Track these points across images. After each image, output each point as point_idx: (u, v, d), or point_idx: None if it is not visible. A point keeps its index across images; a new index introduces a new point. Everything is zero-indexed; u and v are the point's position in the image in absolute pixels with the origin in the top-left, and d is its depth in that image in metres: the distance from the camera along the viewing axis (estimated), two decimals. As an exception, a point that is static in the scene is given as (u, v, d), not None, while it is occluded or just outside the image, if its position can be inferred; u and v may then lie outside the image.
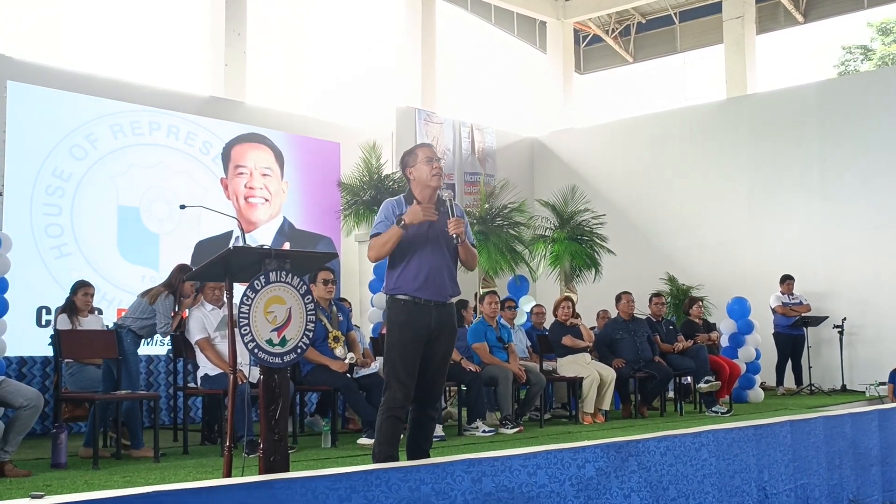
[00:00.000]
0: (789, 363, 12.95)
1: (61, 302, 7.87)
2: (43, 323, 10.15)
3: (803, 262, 13.68)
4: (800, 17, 17.29)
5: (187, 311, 7.46)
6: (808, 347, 12.94)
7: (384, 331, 5.79)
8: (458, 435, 8.05)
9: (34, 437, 7.38)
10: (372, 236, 4.86)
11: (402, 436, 4.88)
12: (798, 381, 12.92)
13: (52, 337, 7.33)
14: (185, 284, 7.25)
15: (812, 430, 4.95)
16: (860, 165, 13.64)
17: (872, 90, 13.98)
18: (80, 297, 7.61)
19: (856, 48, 30.44)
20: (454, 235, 4.76)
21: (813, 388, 12.72)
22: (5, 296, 8.18)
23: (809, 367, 12.95)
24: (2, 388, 5.78)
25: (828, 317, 13.08)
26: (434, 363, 4.84)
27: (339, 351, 7.44)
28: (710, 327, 11.51)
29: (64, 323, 7.41)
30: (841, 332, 12.98)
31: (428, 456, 4.72)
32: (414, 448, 4.83)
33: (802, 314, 12.83)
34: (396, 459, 4.66)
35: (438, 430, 7.64)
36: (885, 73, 17.99)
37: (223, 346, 6.95)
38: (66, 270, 10.27)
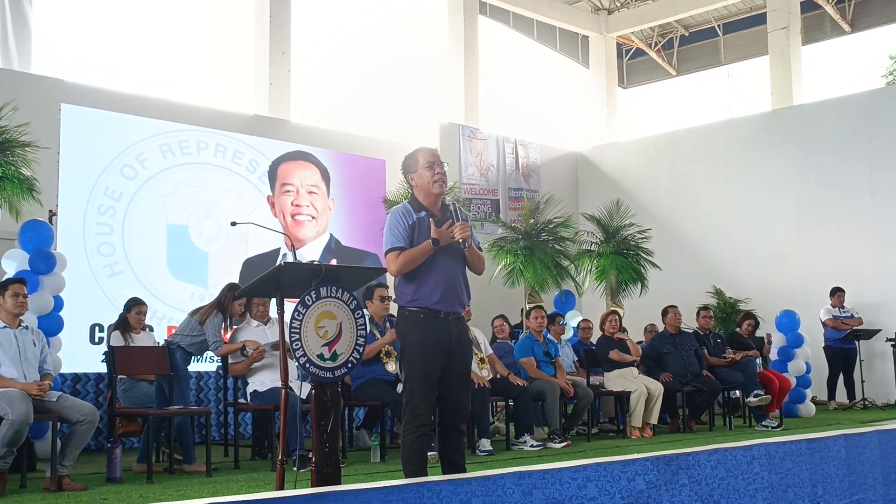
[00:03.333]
0: (841, 377, 12.75)
1: (113, 319, 8.01)
2: (96, 340, 10.31)
3: (854, 275, 13.48)
4: (846, 27, 17.12)
5: (235, 327, 7.58)
6: (860, 361, 12.73)
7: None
8: (507, 449, 8.05)
9: (89, 452, 7.53)
10: (392, 249, 4.66)
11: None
12: (850, 395, 12.71)
13: (105, 353, 7.47)
14: (233, 304, 7.36)
15: (867, 445, 4.88)
16: (911, 176, 13.45)
17: (922, 99, 13.79)
18: (133, 315, 7.74)
19: (904, 57, 29.96)
20: (461, 240, 4.65)
21: (866, 402, 12.50)
22: (60, 314, 8.34)
23: (862, 381, 12.73)
24: (59, 404, 5.91)
25: (880, 330, 12.86)
26: (460, 377, 4.71)
27: (391, 367, 7.50)
28: (758, 342, 11.37)
29: (117, 340, 7.54)
30: (894, 346, 12.75)
31: (464, 470, 4.57)
32: (449, 464, 4.66)
33: (854, 327, 12.62)
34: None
35: (486, 445, 7.66)
36: (935, 81, 17.73)
37: (274, 361, 7.05)
38: (117, 288, 10.43)
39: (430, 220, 4.71)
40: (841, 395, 12.77)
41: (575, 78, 19.37)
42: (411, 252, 4.62)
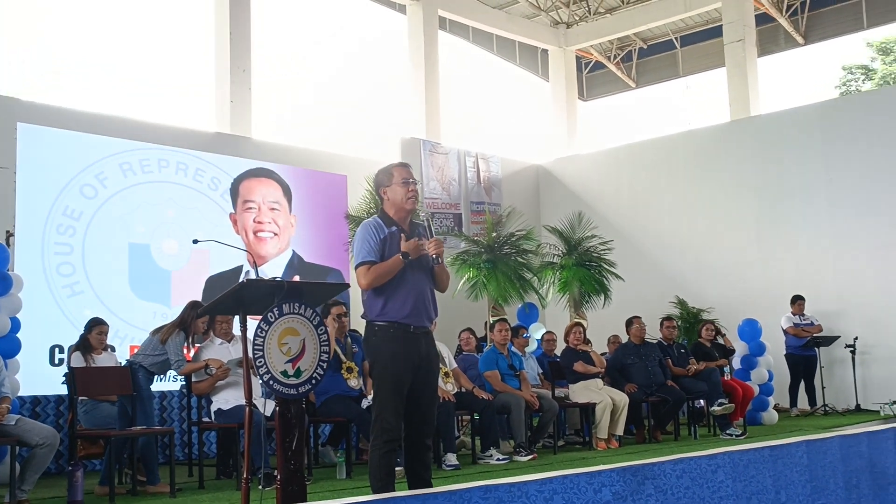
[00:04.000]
0: (802, 384, 12.89)
1: (74, 340, 7.90)
2: (56, 362, 10.18)
3: (814, 282, 13.67)
4: (800, 39, 17.40)
5: (198, 346, 7.52)
6: (820, 368, 12.89)
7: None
8: (473, 463, 8.04)
9: (50, 476, 7.41)
10: (363, 263, 4.62)
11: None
12: (812, 401, 12.87)
13: (66, 375, 7.36)
14: (196, 322, 7.30)
15: (828, 450, 4.94)
16: (866, 183, 13.65)
17: (875, 109, 14.03)
18: (94, 336, 7.65)
19: (857, 68, 30.56)
20: (434, 256, 4.66)
21: (827, 408, 12.65)
22: (18, 335, 8.21)
23: (823, 388, 12.89)
24: (18, 427, 5.82)
25: (840, 336, 13.04)
26: (428, 391, 4.71)
27: (353, 382, 7.48)
28: (723, 349, 11.49)
29: (78, 361, 7.44)
30: (853, 352, 12.93)
31: (431, 485, 4.57)
32: (415, 479, 4.65)
33: (814, 335, 12.78)
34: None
35: (452, 459, 7.65)
36: (888, 91, 18.05)
37: (238, 379, 7.00)
38: (78, 309, 10.31)
39: (402, 234, 4.71)
40: (802, 401, 12.91)
41: (535, 91, 19.51)
42: (383, 266, 4.61)
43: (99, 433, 6.93)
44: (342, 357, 7.53)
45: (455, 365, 8.62)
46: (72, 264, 10.62)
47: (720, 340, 11.42)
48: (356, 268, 4.67)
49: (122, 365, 7.56)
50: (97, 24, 14.24)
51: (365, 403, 7.49)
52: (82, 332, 7.77)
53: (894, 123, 13.63)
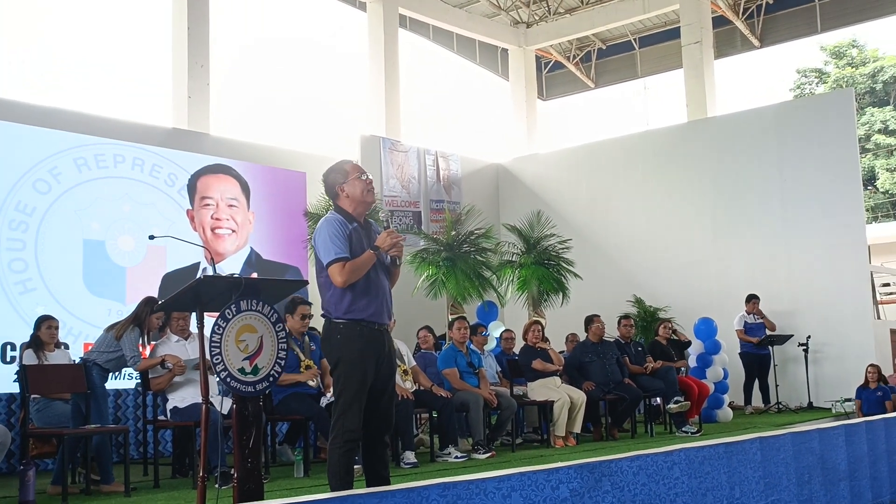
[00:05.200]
0: (757, 382, 13.07)
1: (26, 338, 7.78)
2: (8, 360, 10.02)
3: (768, 281, 13.85)
4: (756, 42, 17.65)
5: (154, 343, 7.43)
6: (774, 366, 13.08)
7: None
8: (431, 461, 8.04)
9: (1, 476, 7.30)
10: (337, 260, 4.53)
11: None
12: (766, 399, 13.04)
13: (17, 373, 7.25)
14: (151, 318, 7.21)
15: (781, 447, 5.01)
16: (819, 184, 13.85)
17: (828, 112, 14.23)
18: (44, 332, 7.53)
19: (811, 72, 31.04)
20: (394, 257, 4.67)
21: (780, 406, 12.84)
22: (-31, 332, 8.08)
23: (776, 386, 13.08)
24: (-32, 426, 5.71)
25: (793, 335, 13.24)
26: (388, 388, 4.70)
27: (311, 382, 7.45)
28: (685, 345, 11.62)
29: (30, 358, 7.32)
30: (806, 350, 13.14)
31: (389, 482, 4.55)
32: (374, 477, 4.64)
33: (761, 337, 12.93)
34: None
35: (411, 457, 7.64)
36: (840, 94, 18.33)
37: (195, 377, 6.94)
38: (31, 305, 10.16)
39: (361, 230, 4.70)
40: (757, 399, 13.08)
41: (495, 90, 19.57)
42: (357, 261, 4.55)
43: (52, 432, 6.83)
44: (300, 355, 7.50)
45: (414, 363, 8.61)
46: (24, 260, 10.46)
47: (675, 338, 11.54)
48: (328, 265, 4.56)
49: (76, 362, 7.45)
50: (54, 16, 14.03)
51: (324, 402, 7.46)
52: (33, 329, 7.65)
53: (847, 126, 13.85)
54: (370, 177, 4.79)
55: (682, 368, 11.35)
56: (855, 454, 5.76)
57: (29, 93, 12.31)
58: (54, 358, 7.48)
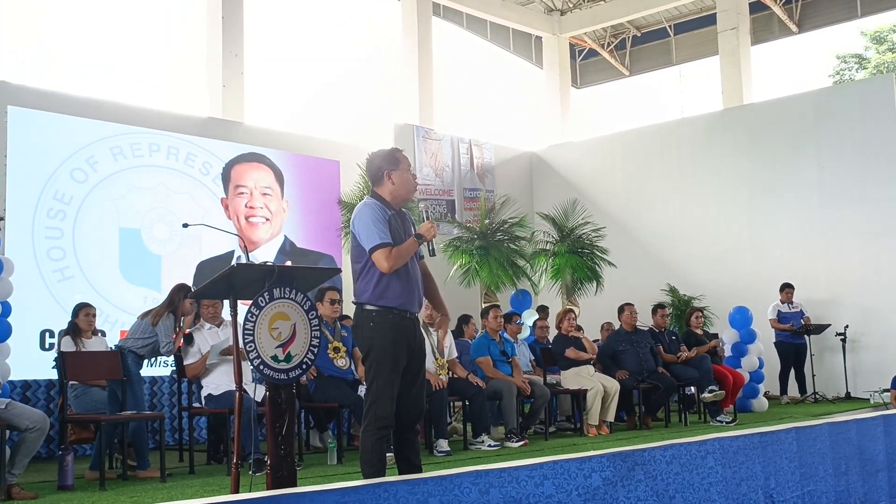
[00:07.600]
0: (793, 372, 12.93)
1: (64, 325, 7.88)
2: (46, 346, 10.16)
3: (804, 270, 13.69)
4: (794, 28, 17.39)
5: (188, 330, 7.49)
6: (810, 356, 12.93)
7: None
8: (464, 449, 8.06)
9: (40, 461, 7.41)
10: (381, 245, 4.52)
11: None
12: (802, 389, 12.90)
13: (56, 360, 7.35)
14: (184, 303, 7.27)
15: (817, 437, 4.95)
16: (858, 172, 13.66)
17: (868, 98, 14.02)
18: (81, 319, 7.62)
19: (850, 57, 30.58)
20: (431, 247, 4.77)
21: (817, 396, 12.70)
22: (8, 320, 8.19)
23: (813, 376, 12.93)
24: (7, 412, 5.80)
25: (830, 325, 13.06)
26: (419, 376, 4.72)
27: (341, 362, 7.47)
28: (711, 338, 11.51)
29: (68, 345, 7.42)
30: (843, 340, 12.97)
31: (421, 470, 4.55)
32: (406, 464, 4.64)
33: (805, 324, 12.76)
34: None
35: (444, 446, 7.66)
36: (880, 80, 18.04)
37: (227, 366, 6.99)
38: (68, 293, 10.28)
39: (398, 219, 4.73)
40: (793, 389, 12.95)
41: (529, 78, 19.47)
42: (402, 248, 4.59)
43: (89, 418, 6.91)
44: (329, 337, 7.53)
45: (455, 354, 8.58)
46: (62, 248, 10.59)
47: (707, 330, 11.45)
48: (372, 250, 4.54)
49: (112, 349, 7.54)
50: (88, 9, 14.15)
51: (361, 390, 7.48)
52: (70, 316, 7.75)
53: (887, 112, 13.63)
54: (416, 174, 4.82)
55: (717, 349, 11.13)
56: (893, 445, 5.67)
57: (66, 83, 12.44)
58: (91, 345, 7.57)
